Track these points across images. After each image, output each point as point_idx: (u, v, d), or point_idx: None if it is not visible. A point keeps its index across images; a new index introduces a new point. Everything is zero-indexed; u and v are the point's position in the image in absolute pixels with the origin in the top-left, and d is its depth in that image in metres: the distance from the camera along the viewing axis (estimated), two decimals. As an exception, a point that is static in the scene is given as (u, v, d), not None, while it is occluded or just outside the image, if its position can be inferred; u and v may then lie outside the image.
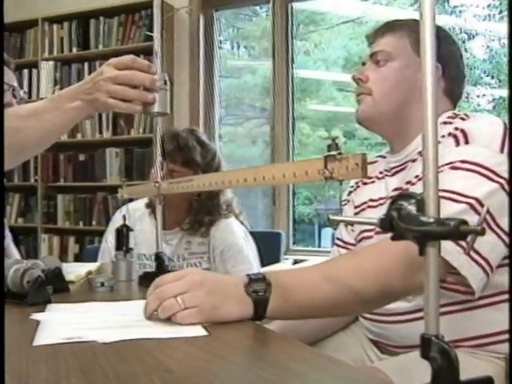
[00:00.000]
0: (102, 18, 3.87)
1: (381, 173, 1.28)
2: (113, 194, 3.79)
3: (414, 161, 1.17)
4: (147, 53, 3.59)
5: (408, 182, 1.15)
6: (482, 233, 0.47)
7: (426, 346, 0.48)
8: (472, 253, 0.93)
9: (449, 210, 0.91)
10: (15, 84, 1.74)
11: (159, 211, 1.26)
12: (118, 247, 1.31)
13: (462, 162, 1.00)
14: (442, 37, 1.22)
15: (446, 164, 1.01)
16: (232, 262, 1.82)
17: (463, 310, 1.05)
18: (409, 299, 1.07)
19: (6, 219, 1.95)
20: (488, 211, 0.94)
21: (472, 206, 0.94)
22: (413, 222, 0.49)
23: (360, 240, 1.27)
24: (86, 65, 3.89)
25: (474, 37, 3.56)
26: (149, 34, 1.19)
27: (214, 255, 1.83)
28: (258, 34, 4.22)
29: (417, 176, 1.11)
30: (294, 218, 3.63)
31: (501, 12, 3.32)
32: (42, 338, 0.74)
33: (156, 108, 1.16)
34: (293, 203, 3.63)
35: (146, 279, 1.19)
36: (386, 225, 0.52)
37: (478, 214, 0.92)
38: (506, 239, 0.97)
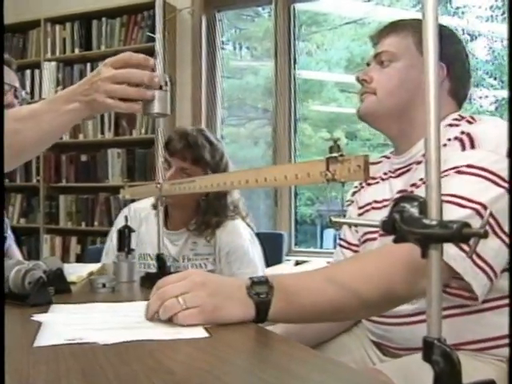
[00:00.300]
0: (104, 19, 3.88)
1: (385, 174, 1.27)
2: (115, 195, 3.79)
3: (418, 163, 1.16)
4: (149, 53, 3.57)
5: (413, 185, 1.14)
6: (485, 236, 0.47)
7: (428, 349, 0.48)
8: (476, 258, 0.92)
9: (454, 215, 0.91)
10: (17, 84, 1.74)
11: (161, 212, 1.26)
12: (120, 248, 1.31)
13: (468, 166, 0.99)
14: (447, 36, 1.21)
15: (452, 168, 1.00)
16: (237, 264, 1.81)
17: (466, 313, 1.04)
18: (411, 301, 1.07)
19: (8, 219, 1.95)
20: (492, 216, 0.93)
21: (477, 212, 0.93)
22: (415, 225, 0.49)
23: (364, 241, 1.26)
24: (89, 65, 3.89)
25: (476, 38, 3.56)
26: (150, 35, 1.19)
27: (220, 257, 1.83)
28: (260, 35, 4.23)
29: (421, 179, 1.11)
30: (296, 219, 3.63)
31: (503, 13, 3.32)
32: (44, 339, 0.74)
33: (156, 109, 1.16)
34: (295, 204, 3.62)
35: (148, 280, 1.19)
36: (388, 227, 0.52)
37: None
38: None
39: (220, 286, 0.84)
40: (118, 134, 3.81)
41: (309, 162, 0.66)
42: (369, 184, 1.32)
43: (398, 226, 0.50)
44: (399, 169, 1.23)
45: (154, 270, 1.62)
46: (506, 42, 3.32)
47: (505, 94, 3.32)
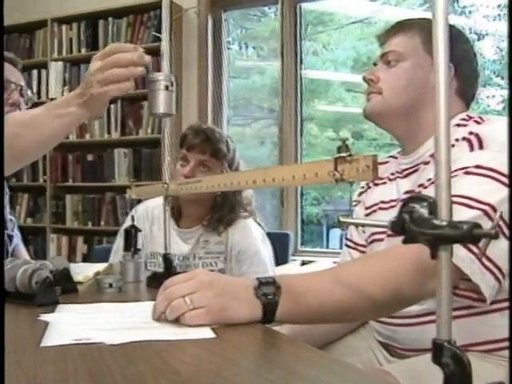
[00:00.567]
0: (110, 19, 3.88)
1: (392, 174, 1.27)
2: (121, 195, 3.80)
3: (426, 163, 1.15)
4: (156, 53, 3.60)
5: (420, 185, 1.13)
6: (496, 236, 0.46)
7: (437, 351, 0.47)
8: (484, 260, 0.92)
9: (463, 215, 0.90)
10: (22, 83, 1.75)
11: (168, 212, 1.26)
12: (126, 248, 1.31)
13: (477, 167, 0.99)
14: (454, 35, 1.20)
15: (460, 169, 0.99)
16: (248, 264, 1.82)
17: (473, 314, 1.04)
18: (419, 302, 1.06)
19: (15, 219, 1.95)
20: (501, 217, 0.92)
21: (486, 213, 0.92)
22: (425, 225, 0.48)
23: (371, 242, 1.26)
24: (95, 65, 3.89)
25: (483, 37, 3.54)
26: (157, 34, 1.19)
27: (231, 255, 1.83)
28: (266, 35, 4.22)
29: (429, 179, 1.10)
30: (302, 219, 3.62)
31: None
32: (51, 339, 0.74)
33: (162, 109, 1.16)
34: (301, 204, 3.62)
35: (154, 280, 1.19)
36: (397, 228, 0.51)
37: (492, 220, 0.90)
38: None
39: (227, 286, 0.83)
40: (125, 133, 3.82)
41: (317, 161, 0.66)
42: (376, 184, 1.31)
43: (407, 227, 0.50)
44: (406, 169, 1.23)
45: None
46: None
47: (512, 93, 3.30)
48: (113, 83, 1.16)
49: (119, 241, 1.95)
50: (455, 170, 0.99)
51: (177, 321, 0.80)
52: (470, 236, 0.46)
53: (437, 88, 0.48)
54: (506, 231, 0.94)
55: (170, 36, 3.32)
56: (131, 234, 1.32)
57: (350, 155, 0.60)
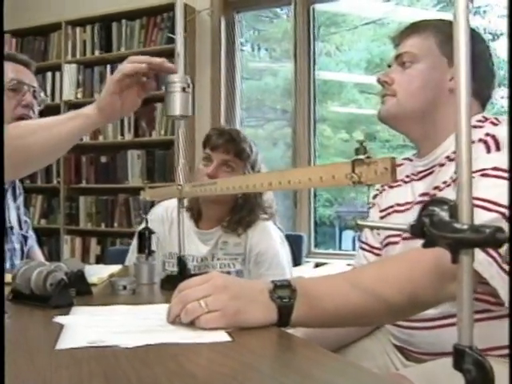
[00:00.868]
0: (124, 21, 3.90)
1: (407, 176, 1.26)
2: (134, 196, 3.81)
3: (441, 165, 1.14)
4: (169, 55, 3.59)
5: (436, 188, 1.12)
6: (519, 240, 0.45)
7: (459, 357, 0.46)
8: (502, 263, 0.90)
9: (480, 218, 0.89)
10: (36, 85, 1.76)
11: (182, 213, 1.25)
12: (140, 250, 1.31)
13: (494, 169, 0.97)
14: (470, 36, 1.19)
15: (477, 171, 0.98)
16: (266, 266, 1.81)
17: (492, 318, 1.02)
18: (436, 305, 1.05)
19: (29, 220, 1.96)
20: None
21: (504, 215, 0.91)
22: (446, 229, 0.47)
23: (386, 245, 1.25)
24: (109, 67, 3.92)
25: (498, 37, 3.51)
26: (171, 36, 1.19)
27: (250, 257, 1.83)
28: (278, 36, 4.22)
29: (445, 182, 1.09)
30: (315, 221, 3.61)
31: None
32: (65, 341, 0.74)
33: (178, 111, 1.16)
34: (314, 205, 3.61)
35: (168, 282, 1.19)
36: (416, 231, 0.50)
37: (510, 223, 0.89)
38: None
39: (242, 290, 0.83)
40: (138, 135, 3.83)
41: (334, 164, 0.65)
42: (391, 187, 1.30)
43: (427, 231, 0.49)
44: (422, 171, 1.22)
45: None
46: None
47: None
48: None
49: (135, 243, 1.96)
50: (472, 172, 0.98)
51: (192, 324, 0.80)
52: (493, 240, 0.45)
53: (458, 89, 0.48)
54: None
55: (185, 38, 3.33)
56: (145, 236, 1.31)
57: (368, 157, 0.59)
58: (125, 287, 1.12)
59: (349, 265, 2.99)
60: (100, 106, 1.25)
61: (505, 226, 0.47)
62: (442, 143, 1.17)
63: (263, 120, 4.24)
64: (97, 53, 4.00)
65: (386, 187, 1.32)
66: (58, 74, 4.09)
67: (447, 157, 1.14)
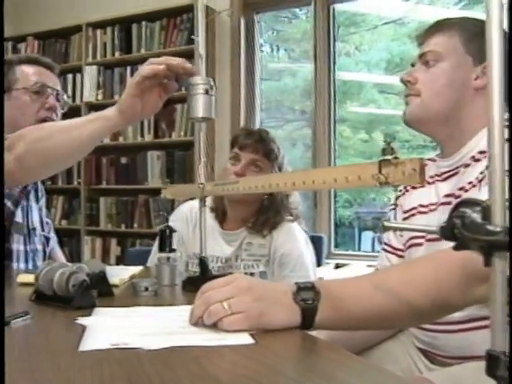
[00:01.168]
0: (144, 23, 3.91)
1: (431, 177, 1.24)
2: (154, 197, 3.82)
3: (466, 166, 1.12)
4: (189, 56, 3.60)
5: (461, 189, 1.10)
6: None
7: (492, 363, 0.45)
8: None
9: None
10: (59, 88, 1.77)
11: (204, 212, 1.24)
12: (161, 248, 1.30)
13: None
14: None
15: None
16: (290, 267, 1.80)
17: None
18: (461, 308, 1.03)
19: (51, 221, 1.97)
20: None
21: None
22: (478, 231, 0.46)
23: (409, 246, 1.23)
24: (129, 69, 3.93)
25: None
26: (194, 38, 1.18)
27: (274, 258, 1.82)
28: (297, 37, 4.21)
29: (470, 182, 1.07)
30: (335, 222, 3.59)
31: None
32: (88, 343, 0.74)
33: (201, 113, 1.15)
34: (334, 206, 3.59)
35: (190, 284, 1.18)
36: (447, 233, 0.49)
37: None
38: None
39: (265, 291, 0.82)
40: (158, 136, 3.84)
41: (360, 164, 0.64)
42: (414, 188, 1.29)
43: (458, 233, 0.47)
44: (446, 172, 1.20)
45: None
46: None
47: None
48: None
49: (157, 244, 1.96)
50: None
51: (214, 326, 0.79)
52: (528, 243, 0.43)
53: (490, 84, 0.46)
54: None
55: (208, 41, 3.33)
56: (165, 235, 1.31)
57: (395, 158, 0.58)
58: (146, 288, 1.11)
59: (369, 266, 2.97)
60: (121, 109, 1.25)
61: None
62: (467, 143, 1.15)
63: (282, 121, 4.23)
64: (117, 54, 4.02)
65: (408, 188, 1.31)
66: (78, 76, 4.13)
67: (472, 157, 1.12)
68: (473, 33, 1.15)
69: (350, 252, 3.70)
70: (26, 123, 1.57)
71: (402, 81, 1.23)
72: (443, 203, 1.16)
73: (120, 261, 3.86)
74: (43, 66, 1.75)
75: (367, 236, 4.90)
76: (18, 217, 1.64)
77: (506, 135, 0.99)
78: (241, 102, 3.72)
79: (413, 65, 1.25)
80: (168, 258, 1.27)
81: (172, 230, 1.31)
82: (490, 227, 0.45)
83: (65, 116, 1.76)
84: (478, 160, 1.09)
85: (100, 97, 4.05)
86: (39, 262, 1.71)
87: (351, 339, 1.17)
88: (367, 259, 3.31)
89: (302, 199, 3.63)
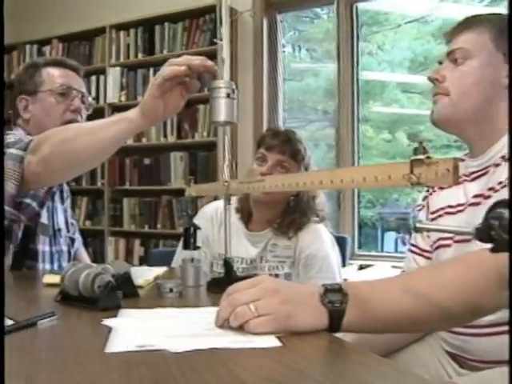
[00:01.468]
0: (166, 24, 3.93)
1: (459, 177, 1.21)
2: (177, 198, 3.83)
3: (496, 165, 1.10)
4: (212, 57, 3.59)
5: (490, 189, 1.08)
6: None
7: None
8: None
9: None
10: (84, 90, 1.78)
11: (229, 210, 1.23)
12: (186, 246, 1.30)
13: None
14: None
15: None
16: (316, 268, 1.79)
17: None
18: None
19: (75, 222, 1.99)
20: None
21: None
22: (517, 233, 0.44)
23: (437, 248, 1.21)
24: (152, 70, 3.95)
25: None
26: (217, 41, 1.18)
27: (299, 259, 1.81)
28: (319, 36, 4.19)
29: (500, 182, 1.05)
30: (358, 222, 3.56)
31: None
32: (115, 344, 0.73)
33: (223, 117, 1.14)
34: (358, 207, 3.56)
35: (215, 285, 1.17)
36: (483, 235, 0.48)
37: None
38: None
39: (292, 293, 0.81)
40: (181, 137, 3.85)
41: (391, 163, 0.62)
42: (441, 188, 1.27)
43: (496, 235, 0.46)
44: (474, 172, 1.18)
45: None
46: None
47: None
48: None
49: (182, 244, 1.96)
50: None
51: (241, 328, 0.78)
52: None
53: None
54: None
55: (233, 42, 3.33)
56: (190, 232, 1.30)
57: (428, 157, 0.57)
58: (171, 290, 1.11)
59: (394, 267, 2.94)
60: (143, 111, 1.25)
61: None
62: (496, 142, 1.12)
63: (304, 121, 4.22)
64: (140, 56, 4.04)
65: (436, 189, 1.29)
66: (102, 78, 4.16)
67: (502, 156, 1.10)
68: (503, 29, 1.13)
69: (373, 253, 3.66)
70: (51, 125, 1.58)
71: (430, 79, 1.21)
72: (472, 204, 1.14)
73: (143, 261, 3.88)
74: (69, 68, 1.76)
75: (390, 237, 4.87)
76: (44, 218, 1.65)
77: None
78: (263, 102, 3.71)
79: (440, 63, 1.23)
80: (192, 259, 1.27)
81: (196, 228, 1.30)
82: (529, 229, 0.44)
83: (89, 117, 1.77)
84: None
85: (123, 98, 4.07)
86: (64, 262, 1.72)
87: (377, 342, 1.15)
88: (391, 260, 3.28)
89: (325, 199, 3.62)
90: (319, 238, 1.83)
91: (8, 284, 1.45)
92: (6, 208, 1.37)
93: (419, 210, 1.33)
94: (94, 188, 4.20)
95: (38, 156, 1.32)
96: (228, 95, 1.15)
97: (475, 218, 1.09)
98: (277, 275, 1.79)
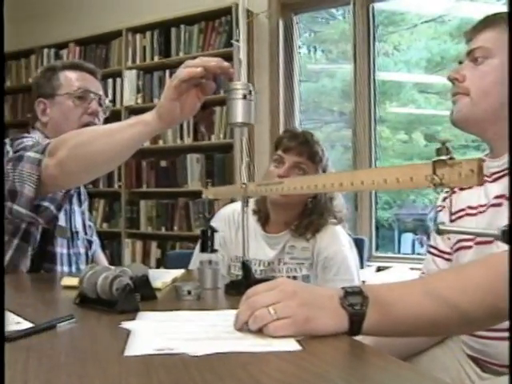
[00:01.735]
0: (182, 26, 3.94)
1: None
2: (194, 200, 3.83)
3: None
4: (228, 58, 3.60)
5: None
6: None
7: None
8: None
9: None
10: (101, 93, 1.79)
11: (246, 213, 1.23)
12: (203, 249, 1.29)
13: None
14: None
15: None
16: (334, 270, 1.78)
17: None
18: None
19: (93, 224, 1.99)
20: None
21: None
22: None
23: (457, 249, 1.19)
24: (168, 72, 3.96)
25: None
26: (235, 43, 1.17)
27: (317, 261, 1.80)
28: (335, 37, 4.18)
29: None
30: (376, 224, 3.54)
31: None
32: (134, 348, 0.73)
33: (239, 118, 1.14)
34: (375, 208, 3.54)
35: (233, 288, 1.17)
36: (509, 237, 0.46)
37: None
38: None
39: (311, 296, 0.80)
40: (197, 139, 3.85)
41: (412, 164, 0.61)
42: (462, 189, 1.25)
43: (523, 237, 0.45)
44: (496, 173, 1.16)
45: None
46: None
47: None
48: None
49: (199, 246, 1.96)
50: None
51: (260, 331, 0.77)
52: None
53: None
54: None
55: (249, 43, 3.33)
56: (207, 235, 1.30)
57: (451, 158, 0.56)
58: (189, 292, 1.10)
59: (412, 269, 2.92)
60: (160, 113, 1.25)
61: None
62: None
63: (320, 122, 4.21)
64: (156, 58, 4.05)
65: (456, 190, 1.27)
66: (118, 80, 4.17)
67: None
68: None
69: (391, 254, 3.64)
70: (69, 128, 1.58)
71: (450, 79, 1.19)
72: (493, 205, 1.12)
73: (160, 263, 3.88)
74: (86, 71, 1.77)
75: (407, 238, 4.84)
76: (61, 220, 1.65)
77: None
78: (280, 103, 3.70)
79: (460, 62, 1.21)
80: (210, 261, 1.26)
81: (214, 230, 1.30)
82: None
83: (106, 120, 1.78)
84: None
85: (140, 101, 4.09)
86: (82, 265, 1.72)
87: (396, 345, 1.14)
88: (408, 262, 3.26)
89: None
90: (337, 239, 1.82)
91: (26, 286, 1.46)
92: (23, 211, 1.37)
93: (439, 211, 1.32)
94: (111, 190, 4.22)
95: (54, 159, 1.33)
96: (245, 96, 1.14)
97: (497, 219, 1.08)
98: (295, 277, 1.78)
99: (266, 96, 3.67)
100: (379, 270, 3.14)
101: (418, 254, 4.13)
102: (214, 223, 1.51)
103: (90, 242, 1.87)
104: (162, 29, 4.03)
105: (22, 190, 1.35)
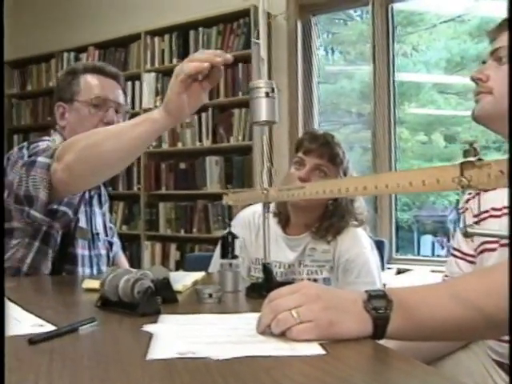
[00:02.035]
0: (201, 29, 3.95)
1: None
2: (213, 202, 3.84)
3: None
4: (246, 60, 3.62)
5: None
6: None
7: None
8: None
9: None
10: (120, 99, 1.78)
11: (267, 218, 1.22)
12: (223, 255, 1.29)
13: None
14: None
15: None
16: (356, 273, 1.76)
17: None
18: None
19: (114, 226, 2.00)
20: None
21: None
22: None
23: (481, 252, 1.17)
24: (186, 75, 3.96)
25: None
26: (255, 41, 1.18)
27: (339, 263, 1.79)
28: (353, 39, 4.16)
29: None
30: (396, 226, 3.51)
31: None
32: (156, 352, 0.72)
33: (264, 117, 1.13)
34: (395, 210, 3.51)
35: (254, 291, 1.16)
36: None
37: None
38: None
39: (335, 300, 0.79)
40: (216, 141, 3.86)
41: (438, 166, 0.60)
42: (485, 190, 1.23)
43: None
44: None
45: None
46: None
47: None
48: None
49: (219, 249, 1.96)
50: None
51: (283, 335, 0.77)
52: None
53: None
54: None
55: (269, 43, 3.33)
56: (228, 241, 1.29)
57: (479, 159, 0.54)
58: (210, 295, 1.10)
59: (433, 271, 2.89)
60: (168, 109, 1.25)
61: None
62: None
63: (339, 124, 4.19)
64: (175, 61, 4.06)
65: (480, 191, 1.25)
66: (137, 83, 4.20)
67: None
68: None
69: (411, 257, 3.61)
70: None
71: (473, 79, 1.18)
72: None
73: (179, 265, 3.89)
74: (108, 75, 1.74)
75: (426, 240, 4.80)
76: (82, 222, 1.66)
77: None
78: (298, 105, 3.69)
79: (483, 62, 1.19)
80: (230, 264, 1.26)
81: (234, 237, 1.29)
82: None
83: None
84: None
85: (158, 103, 4.10)
86: (103, 266, 1.73)
87: (420, 349, 1.12)
88: (429, 264, 3.23)
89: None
90: (358, 242, 1.81)
91: (47, 289, 1.47)
92: (38, 215, 1.38)
93: (462, 213, 1.30)
94: (130, 193, 4.24)
95: (62, 163, 1.33)
96: (267, 94, 1.14)
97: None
98: (315, 280, 1.77)
99: (284, 98, 3.66)
100: (399, 272, 3.11)
101: (438, 256, 4.10)
102: (233, 227, 1.50)
103: (110, 244, 1.87)
104: (181, 31, 4.05)
105: (38, 194, 1.36)
